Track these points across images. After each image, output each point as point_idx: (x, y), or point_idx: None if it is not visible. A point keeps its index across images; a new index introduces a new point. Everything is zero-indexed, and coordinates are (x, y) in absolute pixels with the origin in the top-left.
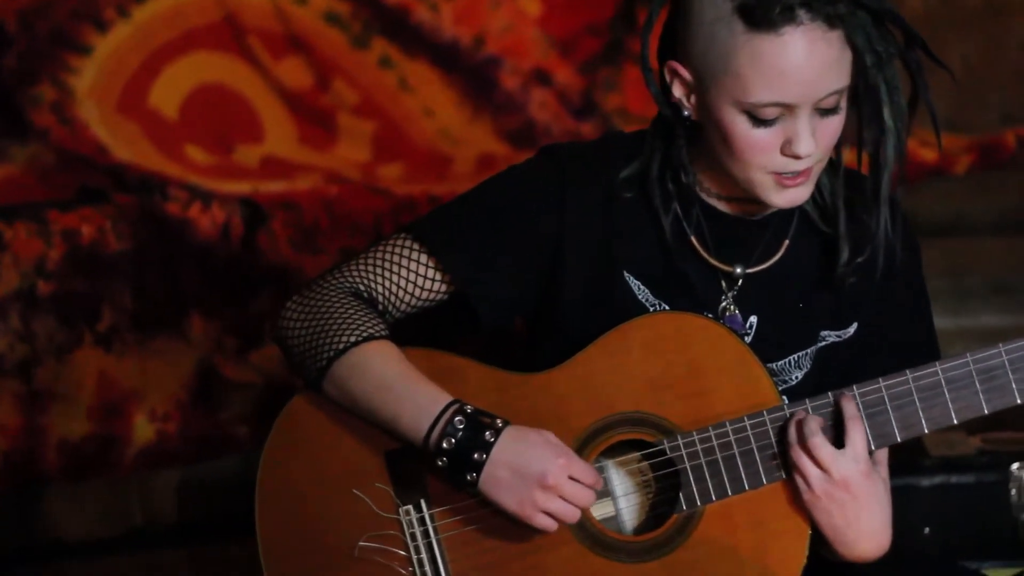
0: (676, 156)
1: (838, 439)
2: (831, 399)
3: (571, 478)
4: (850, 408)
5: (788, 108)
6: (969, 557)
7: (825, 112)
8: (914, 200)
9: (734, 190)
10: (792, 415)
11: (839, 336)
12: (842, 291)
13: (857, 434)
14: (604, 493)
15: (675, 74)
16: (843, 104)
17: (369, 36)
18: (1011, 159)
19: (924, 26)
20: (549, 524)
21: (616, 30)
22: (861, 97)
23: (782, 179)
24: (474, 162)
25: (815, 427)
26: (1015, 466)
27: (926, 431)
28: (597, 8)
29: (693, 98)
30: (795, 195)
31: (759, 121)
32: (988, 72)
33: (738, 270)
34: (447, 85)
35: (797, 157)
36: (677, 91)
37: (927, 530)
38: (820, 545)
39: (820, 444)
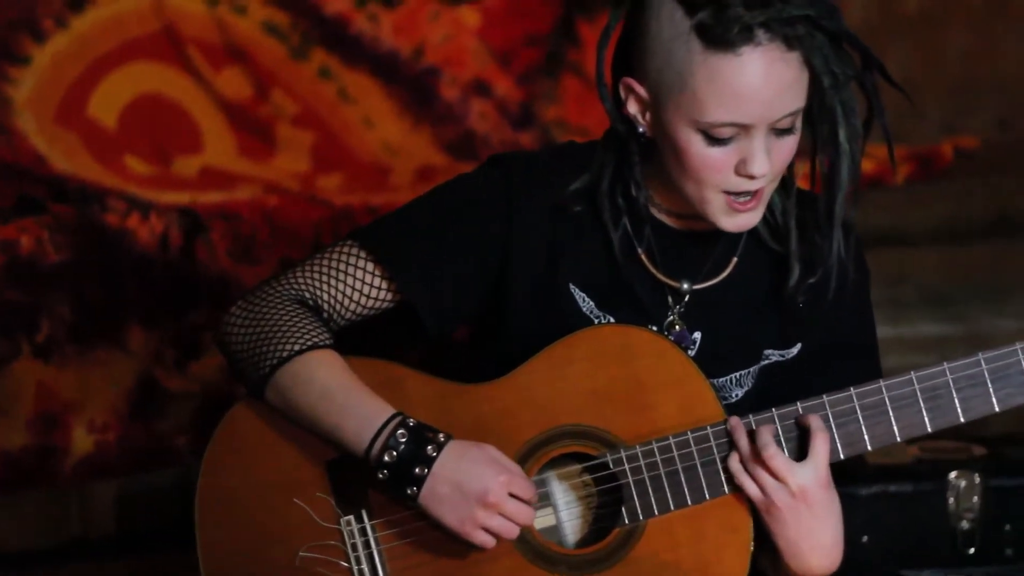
0: (628, 172)
1: (796, 452)
2: (798, 409)
3: (512, 495)
4: (816, 420)
5: (744, 128)
6: (907, 565)
7: (781, 132)
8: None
9: (685, 207)
10: (733, 427)
11: (783, 356)
12: (788, 311)
13: (821, 445)
14: (546, 505)
15: (630, 90)
16: (798, 125)
17: (308, 47)
18: (948, 169)
19: (862, 36)
20: (488, 541)
21: (555, 41)
22: (817, 118)
23: (734, 203)
24: (414, 173)
25: (769, 438)
26: (953, 474)
27: (869, 448)
28: (536, 19)
29: (648, 115)
30: (745, 220)
31: (714, 140)
32: (926, 82)
33: (685, 286)
34: (387, 96)
35: (751, 177)
36: (632, 107)
37: (865, 538)
38: (765, 561)
39: (775, 454)
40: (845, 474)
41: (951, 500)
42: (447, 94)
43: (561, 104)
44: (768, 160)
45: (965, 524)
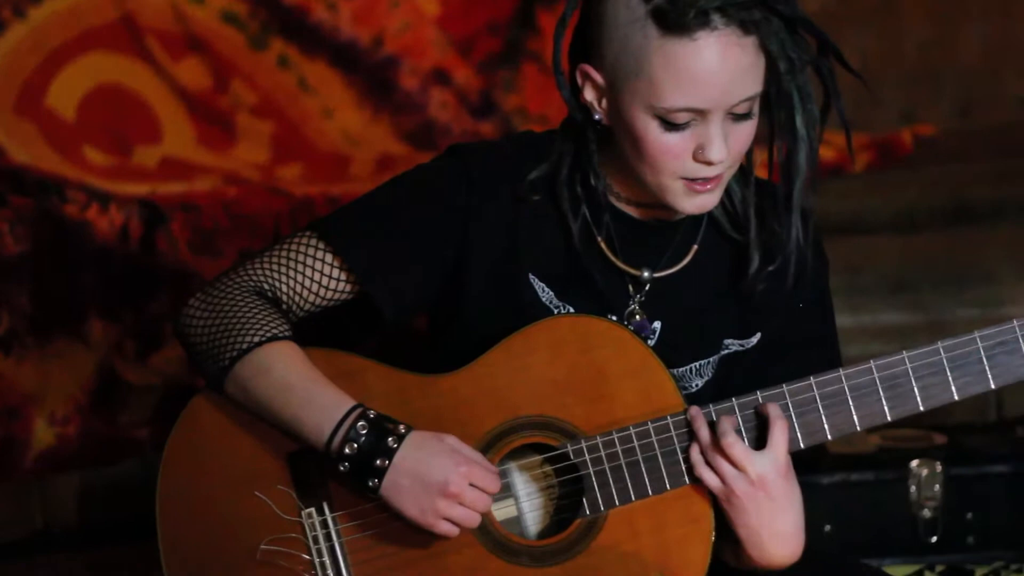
0: (586, 160)
1: (756, 441)
2: (758, 398)
3: (472, 485)
4: (775, 409)
5: (701, 113)
6: (869, 554)
7: (738, 118)
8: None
9: (643, 195)
10: (693, 417)
11: (742, 345)
12: (748, 300)
13: (780, 434)
14: (508, 496)
15: (587, 77)
16: (755, 110)
17: (267, 36)
18: (908, 157)
19: (822, 24)
20: (450, 530)
21: (515, 30)
22: (774, 104)
23: (692, 185)
24: (373, 163)
25: (728, 427)
26: (914, 463)
27: (829, 438)
28: (495, 8)
29: (604, 102)
30: (704, 201)
31: (671, 126)
32: (886, 70)
33: (645, 274)
34: (346, 85)
35: (709, 163)
36: (589, 94)
37: (828, 527)
38: (727, 551)
39: (733, 443)
40: (807, 463)
41: (913, 489)
42: (407, 83)
43: (521, 93)
44: (726, 146)
45: (927, 512)
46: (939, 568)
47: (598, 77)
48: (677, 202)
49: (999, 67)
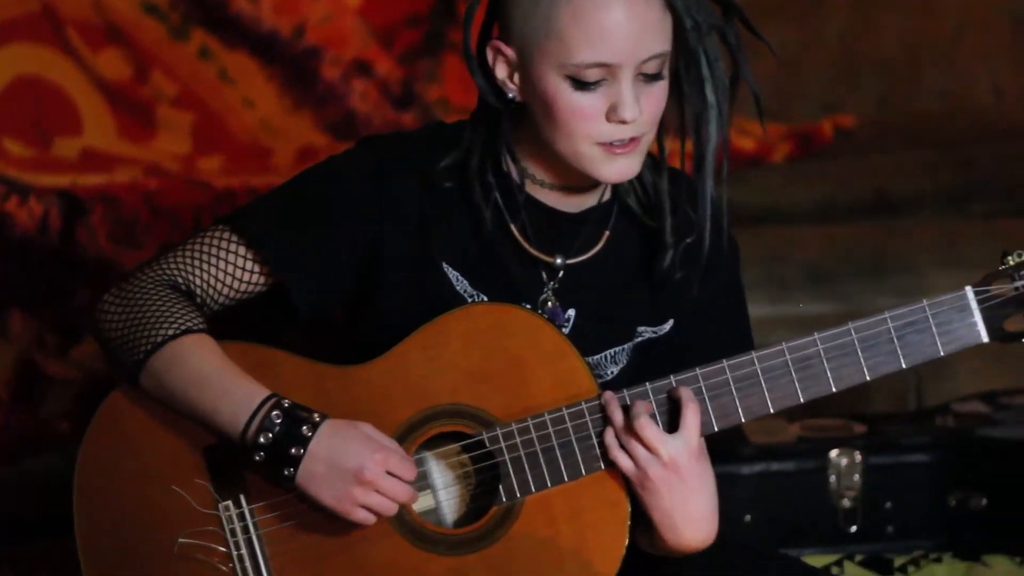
0: (504, 142)
1: (669, 425)
2: (671, 382)
3: (389, 472)
4: (687, 392)
5: (611, 70)
6: (789, 544)
7: (648, 79)
8: (732, 189)
9: (559, 176)
10: (607, 401)
11: (655, 332)
12: (661, 286)
13: (691, 417)
14: (424, 486)
15: (497, 54)
16: (666, 73)
17: (188, 27)
18: (828, 148)
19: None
20: (367, 518)
21: (436, 21)
22: (683, 69)
23: (610, 148)
24: (295, 154)
25: (641, 409)
26: (834, 453)
27: (743, 420)
28: None
29: (516, 76)
30: (623, 166)
31: (582, 85)
32: (806, 61)
33: (559, 261)
34: (267, 76)
35: (623, 122)
36: (500, 72)
37: (748, 518)
38: (642, 537)
39: (646, 424)
40: (727, 453)
41: (832, 478)
42: (328, 74)
43: (443, 83)
44: (638, 106)
45: (846, 502)
46: (858, 558)
47: (509, 51)
48: (596, 169)
49: (918, 59)
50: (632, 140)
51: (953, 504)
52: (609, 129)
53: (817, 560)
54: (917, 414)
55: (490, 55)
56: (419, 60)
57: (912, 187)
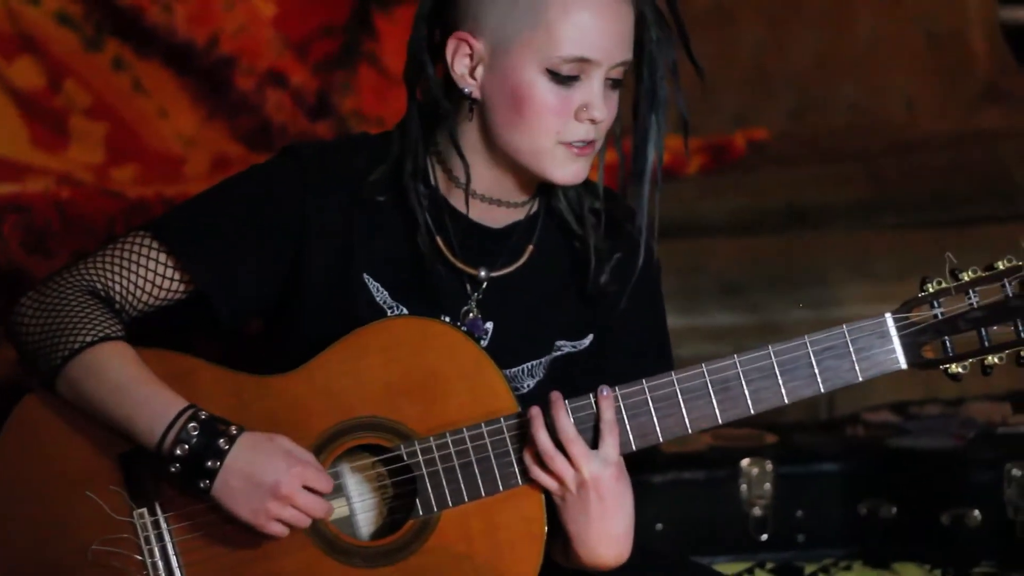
0: (455, 144)
1: (589, 443)
2: (591, 401)
3: (305, 486)
4: (608, 412)
5: (588, 67)
6: (701, 552)
7: (613, 84)
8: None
9: (496, 184)
10: (532, 416)
11: (574, 346)
12: (583, 302)
13: (610, 436)
14: (339, 497)
15: (460, 46)
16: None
17: (102, 37)
18: (741, 160)
19: None
20: (281, 531)
21: (351, 32)
22: (643, 73)
23: (571, 148)
24: (209, 163)
25: (567, 424)
26: (745, 462)
27: (661, 440)
28: (332, 10)
29: (480, 71)
30: (578, 169)
31: (560, 79)
32: (719, 74)
33: (483, 273)
34: (181, 87)
35: (592, 121)
36: (460, 66)
37: (659, 526)
38: (558, 552)
39: (574, 440)
40: (639, 462)
41: (743, 487)
42: (242, 84)
43: (357, 95)
44: (606, 107)
45: (757, 511)
46: (769, 565)
47: (477, 44)
48: (553, 169)
49: (831, 72)
50: (590, 143)
51: (863, 512)
52: (575, 128)
53: (728, 568)
54: (828, 424)
55: (450, 48)
56: (334, 71)
57: (824, 199)
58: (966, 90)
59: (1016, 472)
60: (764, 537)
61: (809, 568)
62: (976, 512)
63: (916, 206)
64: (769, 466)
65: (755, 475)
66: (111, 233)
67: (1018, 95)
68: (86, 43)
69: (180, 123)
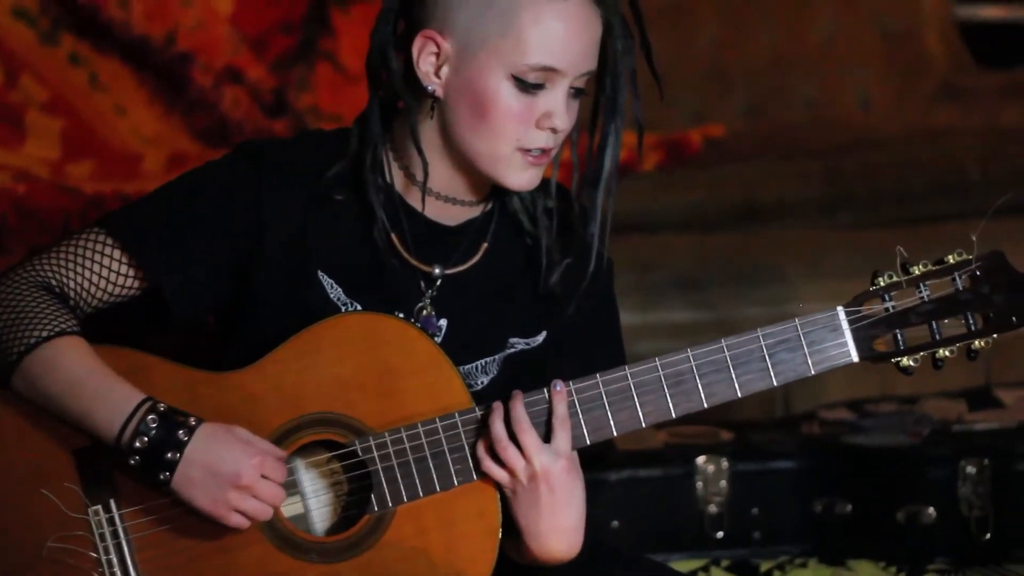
0: (414, 140)
1: (543, 437)
2: (545, 396)
3: (264, 476)
4: (560, 406)
5: (554, 77)
6: (656, 550)
7: (575, 93)
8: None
9: (452, 183)
10: (492, 409)
11: (528, 344)
12: (536, 299)
13: (562, 430)
14: (293, 493)
15: (426, 46)
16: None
17: (58, 32)
18: (698, 157)
19: None
20: (241, 523)
21: (308, 29)
22: (605, 82)
23: (527, 155)
24: (165, 160)
25: (522, 414)
26: (701, 459)
27: (615, 434)
28: (289, 7)
29: (445, 71)
30: (532, 176)
31: (525, 87)
32: (676, 70)
33: (437, 270)
34: (138, 82)
35: (553, 130)
36: (426, 64)
37: (615, 523)
38: (510, 546)
39: (527, 430)
40: (594, 459)
41: (699, 484)
42: (199, 81)
43: (314, 92)
44: (567, 116)
45: (713, 508)
46: (725, 563)
47: (445, 44)
48: (507, 175)
49: (787, 69)
50: (546, 151)
51: (818, 510)
52: (536, 135)
53: (684, 565)
54: (783, 421)
55: (417, 45)
56: (291, 68)
57: (780, 196)
58: (922, 88)
59: (971, 469)
60: (720, 535)
61: (765, 565)
62: (931, 509)
63: (872, 203)
64: (725, 463)
65: (711, 473)
66: (67, 229)
67: (974, 93)
68: (42, 37)
69: (138, 119)
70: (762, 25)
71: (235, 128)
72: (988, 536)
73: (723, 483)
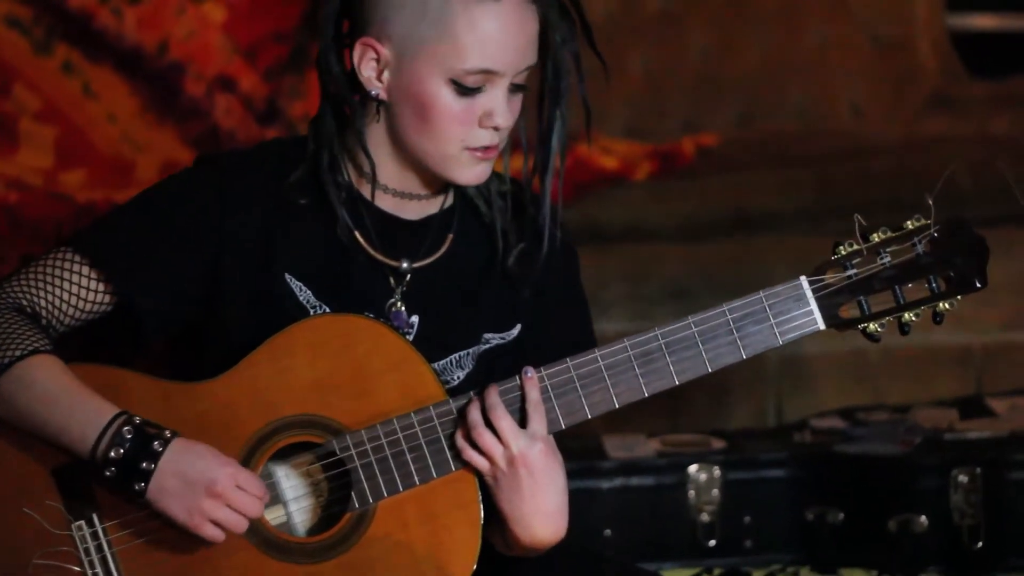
0: (357, 141)
1: (520, 423)
2: (517, 383)
3: (239, 487)
4: (533, 392)
5: (493, 78)
6: (649, 558)
7: (515, 88)
8: (595, 207)
9: (404, 180)
10: (472, 397)
11: (503, 338)
12: (507, 291)
13: (536, 415)
14: (274, 499)
15: (366, 51)
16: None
17: (51, 42)
18: (690, 166)
19: (605, 33)
20: (216, 534)
21: (301, 37)
22: (548, 73)
23: (474, 153)
24: (158, 168)
25: (496, 400)
26: (693, 468)
27: (589, 416)
28: (282, 16)
29: (387, 75)
30: (482, 170)
31: (464, 90)
32: (668, 80)
33: (404, 265)
34: (131, 91)
35: (496, 128)
36: (367, 69)
37: (608, 532)
38: (497, 538)
39: (502, 416)
40: (588, 469)
41: (691, 493)
42: (192, 89)
43: (307, 99)
44: (509, 114)
45: (705, 516)
46: (717, 571)
47: (383, 50)
48: (457, 173)
49: (779, 78)
50: (494, 146)
51: (810, 518)
52: (479, 134)
53: (676, 574)
54: (776, 430)
55: (357, 52)
56: (283, 76)
57: (772, 205)
58: (913, 97)
59: (962, 478)
60: (712, 543)
61: (757, 574)
62: (923, 518)
63: (864, 212)
64: (717, 472)
65: (703, 481)
66: (60, 237)
67: (965, 102)
68: (36, 47)
69: (129, 127)
70: (754, 34)
71: (227, 136)
72: (980, 545)
73: (715, 492)
